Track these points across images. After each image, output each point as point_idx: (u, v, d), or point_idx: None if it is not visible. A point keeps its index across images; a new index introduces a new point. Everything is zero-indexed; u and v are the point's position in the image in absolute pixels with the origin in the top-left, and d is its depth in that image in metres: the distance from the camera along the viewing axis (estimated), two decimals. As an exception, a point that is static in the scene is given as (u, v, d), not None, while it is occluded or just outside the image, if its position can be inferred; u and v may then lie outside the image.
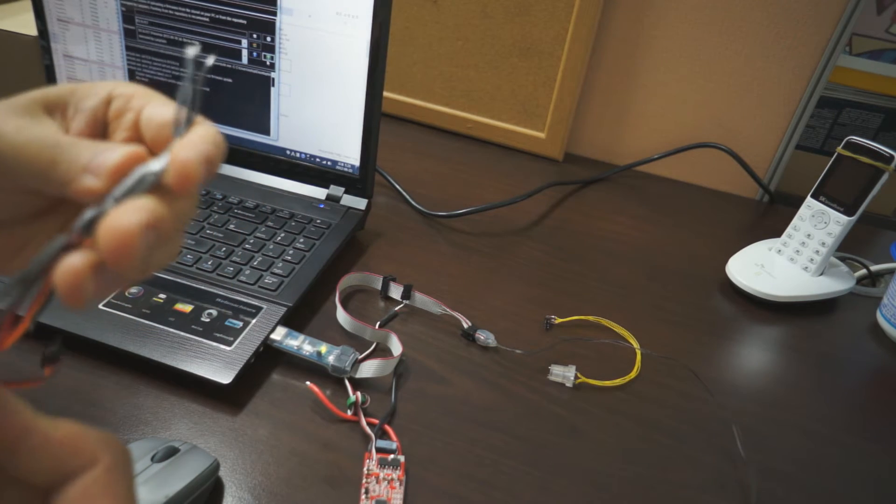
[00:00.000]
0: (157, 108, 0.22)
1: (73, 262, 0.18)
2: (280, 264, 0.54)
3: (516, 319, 0.56)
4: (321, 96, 0.60)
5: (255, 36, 0.59)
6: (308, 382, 0.45)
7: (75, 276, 0.18)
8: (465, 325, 0.53)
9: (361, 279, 0.57)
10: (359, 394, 0.45)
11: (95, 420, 0.42)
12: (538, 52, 0.79)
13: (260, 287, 0.52)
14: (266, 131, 0.63)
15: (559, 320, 0.56)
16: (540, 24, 0.78)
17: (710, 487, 0.43)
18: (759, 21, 0.73)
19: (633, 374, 0.51)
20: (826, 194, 0.61)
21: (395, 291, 0.56)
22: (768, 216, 0.79)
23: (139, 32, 0.61)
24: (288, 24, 0.58)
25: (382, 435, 0.43)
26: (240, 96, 0.62)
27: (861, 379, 0.55)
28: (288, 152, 0.63)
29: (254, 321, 0.48)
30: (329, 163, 0.63)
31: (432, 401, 0.47)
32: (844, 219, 0.59)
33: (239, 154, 0.64)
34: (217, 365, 0.44)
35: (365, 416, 0.44)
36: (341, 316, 0.52)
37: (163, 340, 0.46)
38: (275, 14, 0.58)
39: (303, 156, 0.63)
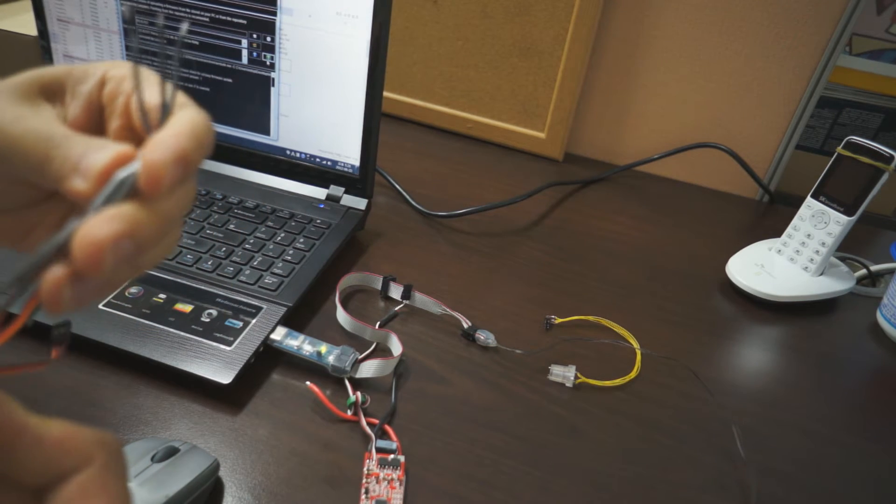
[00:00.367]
0: (143, 95, 0.21)
1: (54, 271, 0.18)
2: (280, 264, 0.54)
3: (516, 319, 0.56)
4: (321, 96, 0.60)
5: (255, 36, 0.59)
6: (308, 382, 0.45)
7: (54, 285, 0.18)
8: (465, 325, 0.53)
9: (361, 279, 0.57)
10: (359, 394, 0.45)
11: (95, 420, 0.42)
12: (538, 52, 0.79)
13: (260, 287, 0.52)
14: (266, 131, 0.63)
15: (559, 320, 0.56)
16: (540, 24, 0.78)
17: (710, 487, 0.43)
18: (759, 21, 0.73)
19: (633, 374, 0.51)
20: (826, 194, 0.61)
21: (395, 291, 0.56)
22: (768, 216, 0.79)
23: (139, 32, 0.61)
24: (288, 24, 0.58)
25: (382, 435, 0.43)
26: (240, 96, 0.62)
27: (861, 379, 0.55)
28: (288, 152, 0.63)
29: (254, 321, 0.48)
30: (329, 163, 0.63)
31: (432, 401, 0.47)
32: (844, 219, 0.59)
33: (239, 154, 0.65)
34: (217, 365, 0.44)
35: (365, 416, 0.44)
36: (341, 316, 0.52)
37: (163, 340, 0.46)
38: (275, 14, 0.58)
39: (303, 156, 0.63)
